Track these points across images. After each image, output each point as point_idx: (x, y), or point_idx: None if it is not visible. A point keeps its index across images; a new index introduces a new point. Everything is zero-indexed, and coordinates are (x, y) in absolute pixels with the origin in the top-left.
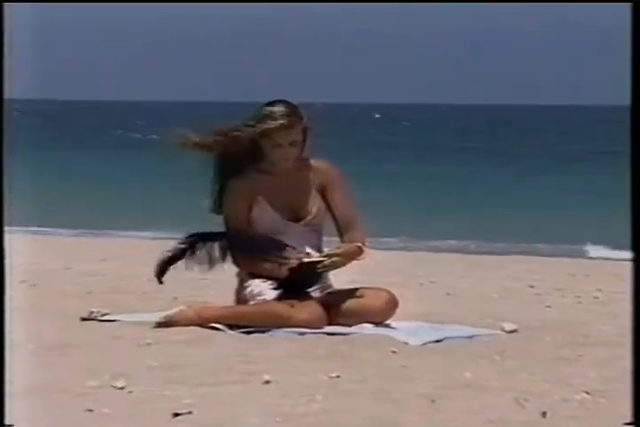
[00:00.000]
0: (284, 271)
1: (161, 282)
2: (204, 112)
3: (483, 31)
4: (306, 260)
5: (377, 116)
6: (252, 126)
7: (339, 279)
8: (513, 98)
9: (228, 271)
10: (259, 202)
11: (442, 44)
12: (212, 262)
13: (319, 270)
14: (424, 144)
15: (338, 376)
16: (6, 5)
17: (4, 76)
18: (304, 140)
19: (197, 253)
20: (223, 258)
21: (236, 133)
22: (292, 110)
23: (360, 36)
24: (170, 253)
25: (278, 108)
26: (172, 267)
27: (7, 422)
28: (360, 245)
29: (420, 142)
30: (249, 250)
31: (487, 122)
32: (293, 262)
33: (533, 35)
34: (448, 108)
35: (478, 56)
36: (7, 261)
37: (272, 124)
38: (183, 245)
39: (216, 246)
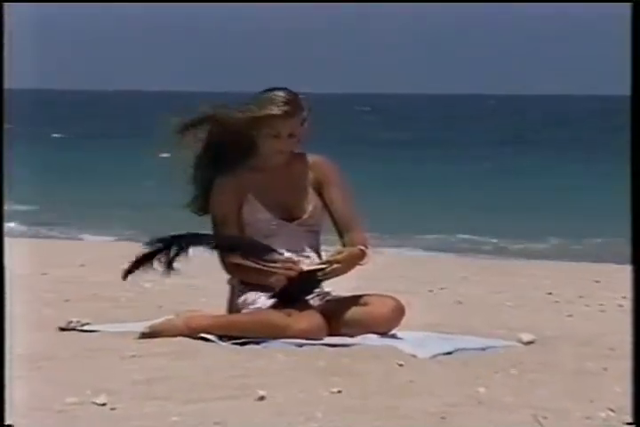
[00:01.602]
0: (281, 282)
1: (124, 278)
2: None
3: (465, 19)
4: (305, 269)
5: (358, 108)
6: (252, 111)
7: (340, 286)
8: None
9: (218, 277)
10: (249, 200)
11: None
12: (167, 265)
13: (319, 278)
14: (421, 139)
15: (339, 392)
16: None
17: (4, 71)
18: (301, 133)
19: (171, 254)
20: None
21: (237, 114)
22: (295, 98)
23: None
24: (145, 252)
25: (281, 95)
26: (142, 267)
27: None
28: (362, 248)
29: (418, 137)
30: (241, 255)
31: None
32: (292, 273)
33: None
34: (434, 98)
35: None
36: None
37: (275, 110)
38: (160, 245)
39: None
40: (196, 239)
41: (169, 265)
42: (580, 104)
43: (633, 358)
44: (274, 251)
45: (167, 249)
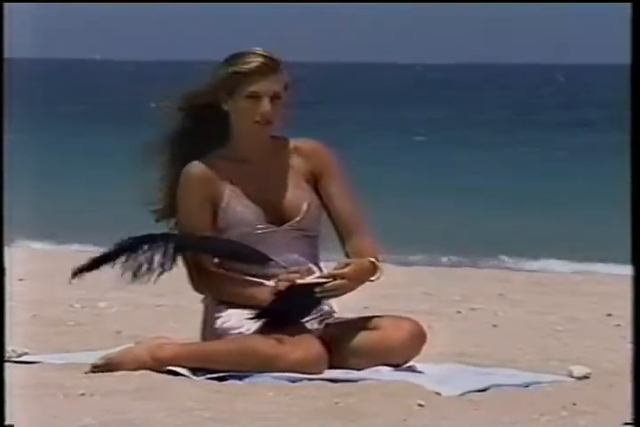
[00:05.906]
0: (267, 297)
1: (70, 281)
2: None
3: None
4: (300, 281)
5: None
6: (220, 74)
7: (345, 305)
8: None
9: (191, 295)
10: (227, 198)
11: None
12: (145, 272)
13: (318, 296)
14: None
15: None
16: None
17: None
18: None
19: (138, 257)
20: (170, 266)
21: (201, 87)
22: (271, 54)
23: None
24: (105, 252)
25: (252, 51)
26: (96, 269)
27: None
28: (373, 260)
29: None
30: (215, 266)
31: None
32: (281, 284)
33: None
34: (423, 69)
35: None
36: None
37: (250, 63)
38: (123, 246)
39: (160, 252)
40: (161, 240)
41: (141, 270)
42: None
43: (633, 357)
44: (269, 259)
45: (132, 251)
